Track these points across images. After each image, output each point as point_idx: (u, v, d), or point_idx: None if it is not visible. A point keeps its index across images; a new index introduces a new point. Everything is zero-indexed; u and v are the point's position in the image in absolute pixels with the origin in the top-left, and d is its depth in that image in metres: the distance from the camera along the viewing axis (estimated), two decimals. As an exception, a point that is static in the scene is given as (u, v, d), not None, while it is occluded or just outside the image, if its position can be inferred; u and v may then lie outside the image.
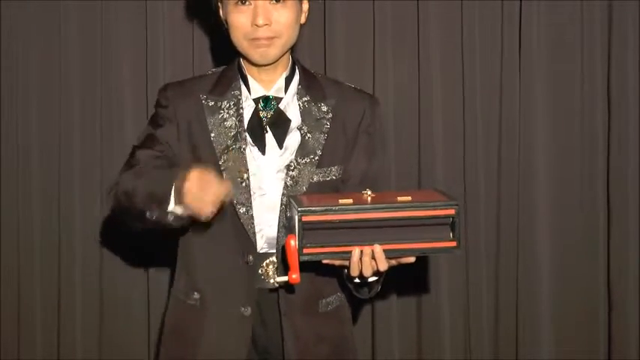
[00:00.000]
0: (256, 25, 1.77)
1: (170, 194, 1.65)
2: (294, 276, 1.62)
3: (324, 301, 1.89)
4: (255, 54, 1.81)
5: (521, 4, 2.54)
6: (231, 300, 1.82)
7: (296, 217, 1.61)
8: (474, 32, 2.54)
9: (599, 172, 2.56)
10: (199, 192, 1.60)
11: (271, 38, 1.79)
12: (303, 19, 1.87)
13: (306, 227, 1.61)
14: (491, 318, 2.60)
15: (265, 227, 1.83)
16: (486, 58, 2.55)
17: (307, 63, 2.46)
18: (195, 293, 1.86)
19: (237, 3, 1.79)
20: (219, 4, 1.86)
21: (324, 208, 1.61)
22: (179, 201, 1.64)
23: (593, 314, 2.59)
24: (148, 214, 1.69)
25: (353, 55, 2.54)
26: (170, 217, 1.67)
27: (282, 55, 1.85)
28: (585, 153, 2.56)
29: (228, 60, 1.93)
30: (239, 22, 1.79)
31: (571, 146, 2.56)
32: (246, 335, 1.83)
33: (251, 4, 1.78)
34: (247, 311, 1.82)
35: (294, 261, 1.62)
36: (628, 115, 2.53)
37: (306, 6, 1.87)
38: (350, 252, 1.63)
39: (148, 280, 2.58)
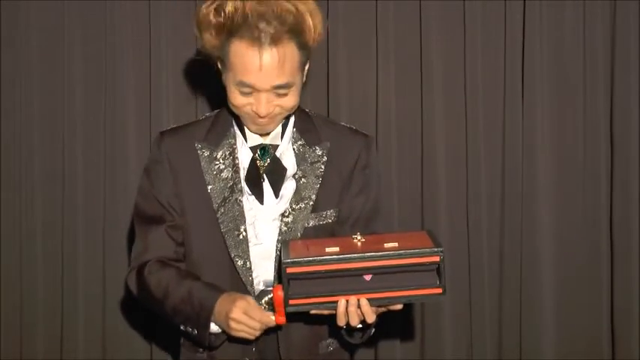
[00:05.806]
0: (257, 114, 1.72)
1: (209, 322, 1.73)
2: (281, 318, 1.67)
3: (324, 342, 1.89)
4: (253, 127, 1.78)
5: (524, 5, 2.50)
6: (232, 351, 1.82)
7: (282, 269, 1.62)
8: (476, 34, 2.51)
9: (602, 178, 2.55)
10: (245, 323, 1.67)
11: (273, 116, 1.74)
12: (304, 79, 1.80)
13: (291, 278, 1.62)
14: (494, 324, 2.61)
15: (262, 274, 1.82)
16: (489, 61, 2.52)
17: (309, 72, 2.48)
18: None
19: (238, 85, 1.69)
20: (218, 63, 1.76)
21: (309, 259, 1.61)
22: (218, 321, 1.72)
23: (596, 318, 2.59)
24: (184, 329, 1.78)
25: (355, 56, 2.52)
26: (211, 339, 1.76)
27: None
28: (588, 159, 2.55)
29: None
30: (239, 102, 1.72)
31: (574, 150, 2.54)
32: None
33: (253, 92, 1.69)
34: None
35: (280, 310, 1.66)
36: (630, 118, 2.51)
37: (307, 66, 1.78)
38: (336, 302, 1.64)
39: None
